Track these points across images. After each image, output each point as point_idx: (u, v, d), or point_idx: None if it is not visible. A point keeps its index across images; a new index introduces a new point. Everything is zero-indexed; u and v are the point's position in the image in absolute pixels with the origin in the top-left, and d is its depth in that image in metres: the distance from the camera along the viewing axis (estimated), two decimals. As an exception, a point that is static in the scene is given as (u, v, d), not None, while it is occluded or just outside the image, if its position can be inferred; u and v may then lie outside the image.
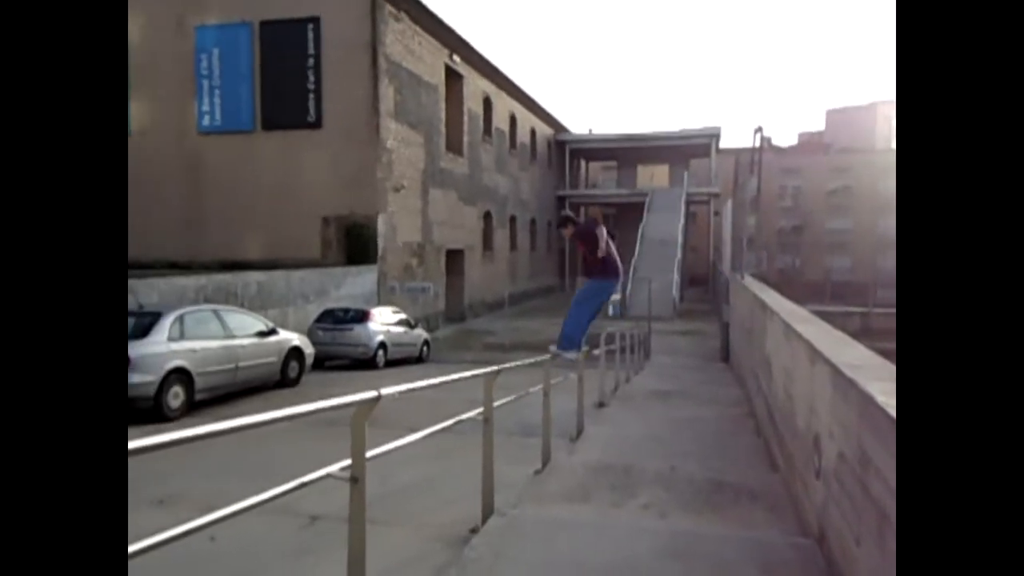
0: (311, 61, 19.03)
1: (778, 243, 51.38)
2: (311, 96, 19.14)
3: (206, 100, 19.79)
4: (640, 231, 33.11)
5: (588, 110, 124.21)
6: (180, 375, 8.71)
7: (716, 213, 35.46)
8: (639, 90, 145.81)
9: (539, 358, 6.58)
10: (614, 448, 6.41)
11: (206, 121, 19.86)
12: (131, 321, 9.06)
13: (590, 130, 44.17)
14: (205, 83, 19.73)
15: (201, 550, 3.66)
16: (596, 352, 9.37)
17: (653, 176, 46.15)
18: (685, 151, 40.72)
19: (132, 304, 10.61)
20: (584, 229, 6.97)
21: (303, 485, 2.59)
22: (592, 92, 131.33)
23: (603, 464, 5.46)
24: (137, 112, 20.26)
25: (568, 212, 7.69)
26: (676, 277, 29.62)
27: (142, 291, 11.43)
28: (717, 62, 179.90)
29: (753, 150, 11.86)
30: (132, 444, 1.49)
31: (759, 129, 11.15)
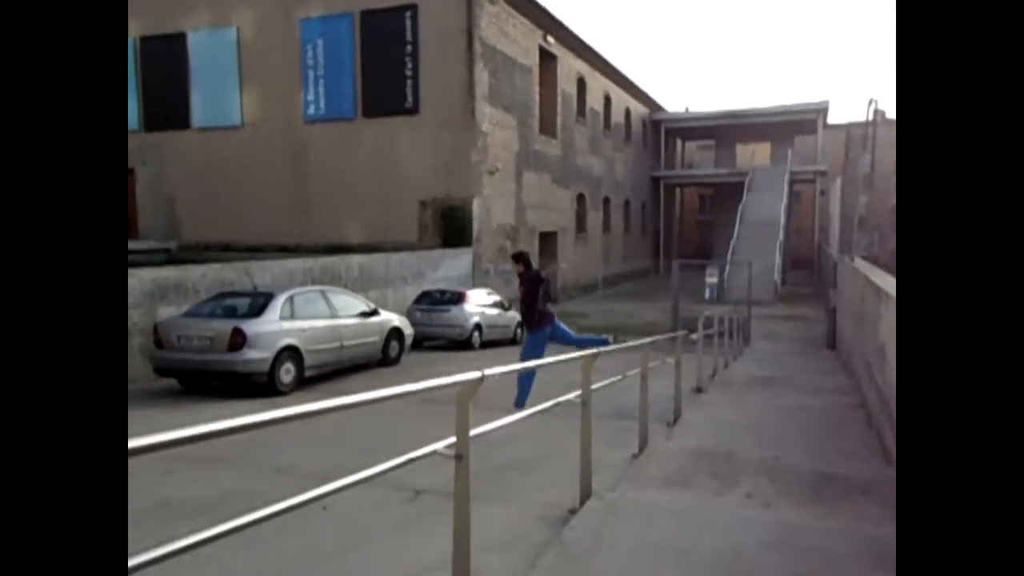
0: (408, 48, 19.44)
1: (891, 223, 48.19)
2: (408, 83, 19.57)
3: (311, 90, 20.63)
4: (739, 212, 31.92)
5: (685, 88, 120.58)
6: (291, 352, 9.21)
7: (822, 192, 33.65)
8: (739, 65, 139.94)
9: (636, 342, 6.51)
10: (713, 435, 6.27)
11: (311, 110, 20.72)
12: (247, 301, 9.66)
13: (687, 108, 42.87)
14: (310, 73, 20.56)
15: (314, 517, 3.90)
16: (693, 337, 9.16)
17: (754, 154, 44.29)
18: (789, 127, 38.78)
19: (247, 285, 11.30)
20: (533, 276, 7.65)
21: (410, 461, 2.69)
22: (689, 69, 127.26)
23: (703, 450, 5.36)
24: (248, 104, 21.41)
25: (523, 251, 8.27)
26: (778, 260, 28.40)
27: (257, 273, 12.14)
28: (825, 30, 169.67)
29: (866, 124, 11.16)
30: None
31: (873, 101, 10.47)
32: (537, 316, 7.50)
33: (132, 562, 1.64)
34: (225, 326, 8.88)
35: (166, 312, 10.43)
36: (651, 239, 38.45)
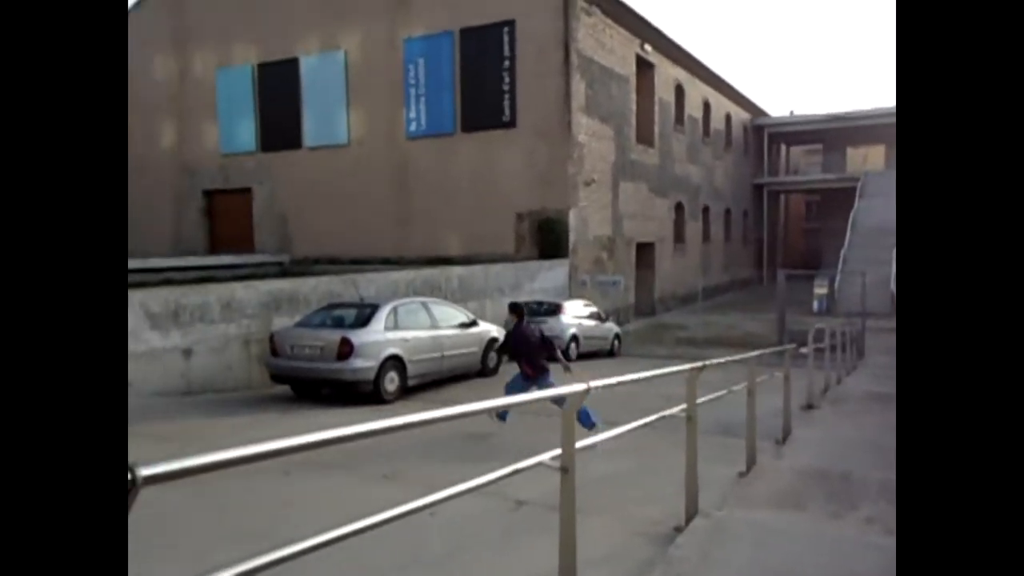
0: (506, 63, 19.76)
1: None
2: (506, 97, 19.88)
3: (413, 107, 21.35)
4: (851, 219, 30.22)
5: (789, 91, 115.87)
6: (395, 362, 9.52)
7: (945, 196, 31.24)
8: (849, 65, 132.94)
9: (742, 355, 6.29)
10: (828, 454, 5.94)
11: (413, 127, 21.43)
12: (354, 312, 10.07)
13: (791, 112, 41.12)
14: (412, 91, 21.29)
15: (419, 522, 4.00)
16: (803, 350, 8.74)
17: (866, 158, 41.86)
18: (906, 128, 36.33)
19: (354, 296, 11.79)
20: (527, 333, 7.62)
21: (516, 472, 2.71)
22: (794, 71, 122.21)
23: (816, 470, 5.09)
24: (354, 122, 22.40)
25: (519, 303, 8.36)
26: (895, 269, 26.65)
27: (362, 284, 12.65)
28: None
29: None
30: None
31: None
32: (533, 370, 7.50)
33: (255, 563, 1.73)
34: (334, 336, 9.29)
35: (280, 322, 11.04)
36: (754, 248, 37.06)
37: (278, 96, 23.41)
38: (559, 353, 7.72)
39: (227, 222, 25.15)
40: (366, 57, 21.96)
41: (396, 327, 9.87)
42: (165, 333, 9.77)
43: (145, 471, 1.34)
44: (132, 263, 17.63)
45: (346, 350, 9.09)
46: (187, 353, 10.04)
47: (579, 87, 19.59)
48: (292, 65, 23.13)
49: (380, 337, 9.50)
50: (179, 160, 25.70)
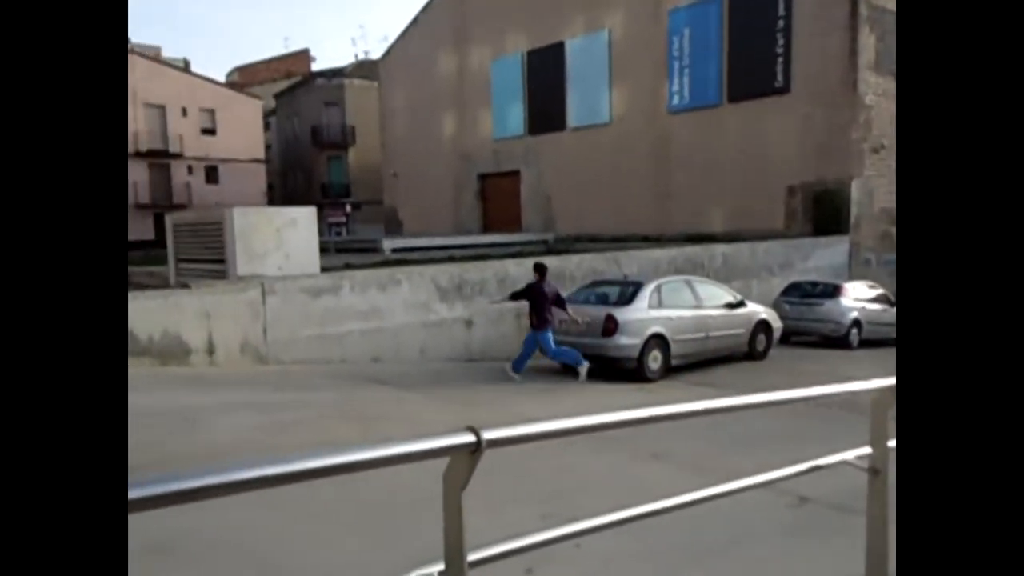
0: (780, 23, 18.27)
1: None
2: (779, 60, 18.41)
3: (676, 80, 20.82)
4: None
5: None
6: (658, 340, 9.48)
7: None
8: None
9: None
10: None
11: (675, 100, 20.92)
12: (617, 289, 10.22)
13: None
14: (675, 64, 20.75)
15: (697, 510, 3.94)
16: None
17: None
18: None
19: (617, 274, 11.96)
20: (545, 290, 9.20)
21: (816, 468, 2.53)
22: None
23: None
24: (616, 100, 22.53)
25: (543, 263, 9.89)
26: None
27: (624, 262, 12.77)
28: None
29: None
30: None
31: None
32: (537, 320, 9.20)
33: (556, 533, 1.79)
34: (599, 313, 9.53)
35: (548, 297, 11.61)
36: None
37: (545, 81, 24.43)
38: (568, 307, 9.24)
39: (498, 203, 27.08)
40: (629, 34, 21.89)
41: (660, 305, 9.80)
42: (451, 305, 10.87)
43: (487, 434, 1.50)
44: (422, 242, 19.90)
45: (611, 327, 9.27)
46: (468, 324, 11.07)
47: (868, 41, 17.38)
48: (558, 49, 23.94)
49: (644, 315, 9.51)
50: (458, 148, 28.21)
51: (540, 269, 9.54)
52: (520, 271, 11.79)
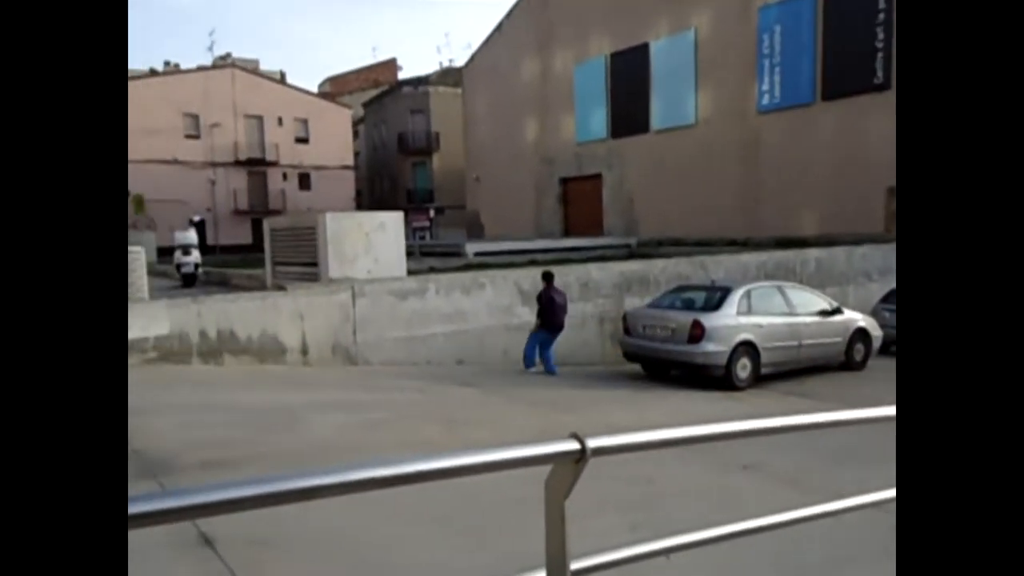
0: (880, 16, 17.37)
1: None
2: (878, 55, 17.51)
3: (766, 79, 20.15)
4: None
5: None
6: (747, 348, 9.18)
7: None
8: None
9: None
10: None
11: (765, 100, 20.25)
12: (703, 295, 9.96)
13: None
14: (766, 63, 20.09)
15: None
16: None
17: None
18: None
19: (702, 278, 11.67)
20: (554, 296, 9.90)
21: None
22: None
23: None
24: (702, 101, 22.03)
25: (550, 271, 10.35)
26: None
27: (711, 267, 12.45)
28: None
29: None
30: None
31: None
32: (543, 322, 9.93)
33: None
34: (685, 318, 9.32)
35: (631, 302, 11.47)
36: None
37: (628, 83, 24.18)
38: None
39: (579, 207, 26.99)
40: (716, 33, 21.37)
41: (749, 312, 9.49)
42: (534, 308, 10.90)
43: (592, 443, 1.49)
44: (503, 246, 20.06)
45: (697, 333, 9.05)
46: (550, 328, 11.07)
47: (978, 32, 16.28)
48: (642, 51, 23.65)
49: (732, 321, 9.24)
50: (540, 152, 28.32)
51: (547, 277, 10.17)
52: (603, 275, 11.70)
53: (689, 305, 9.94)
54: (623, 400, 8.27)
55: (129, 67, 44.90)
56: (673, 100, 22.87)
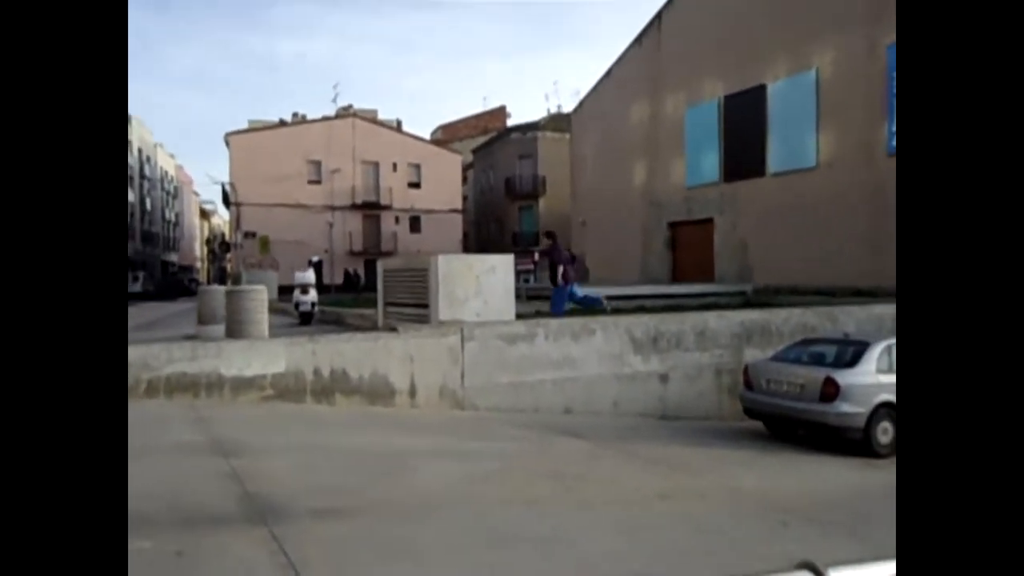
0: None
1: None
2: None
3: (896, 120, 18.91)
4: None
5: None
6: (890, 410, 8.27)
7: None
8: None
9: None
10: None
11: (895, 142, 18.96)
12: (835, 349, 9.14)
13: None
14: (896, 103, 18.89)
15: None
16: None
17: None
18: None
19: (829, 330, 10.78)
20: (560, 249, 12.34)
21: None
22: None
23: None
24: (824, 144, 20.95)
25: (553, 231, 13.35)
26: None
27: (841, 318, 11.52)
28: None
29: None
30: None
31: None
32: (559, 279, 11.71)
33: None
34: (817, 375, 8.55)
35: (751, 353, 10.75)
36: None
37: (743, 125, 23.45)
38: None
39: (689, 252, 26.18)
40: (840, 73, 20.38)
41: (890, 370, 8.57)
42: (646, 358, 10.43)
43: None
44: (612, 291, 19.61)
45: (831, 391, 8.26)
46: (664, 378, 10.53)
47: None
48: (758, 92, 22.92)
49: (871, 380, 8.37)
50: (648, 195, 27.86)
51: (550, 235, 12.62)
52: (721, 324, 11.07)
53: (818, 360, 9.14)
54: (747, 462, 7.60)
55: (262, 119, 48.65)
56: (792, 143, 21.88)
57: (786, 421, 9.01)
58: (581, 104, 32.62)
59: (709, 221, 24.95)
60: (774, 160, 22.59)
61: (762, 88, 22.81)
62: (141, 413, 6.87)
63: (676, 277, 26.19)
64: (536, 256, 27.76)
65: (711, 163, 24.81)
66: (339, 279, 36.81)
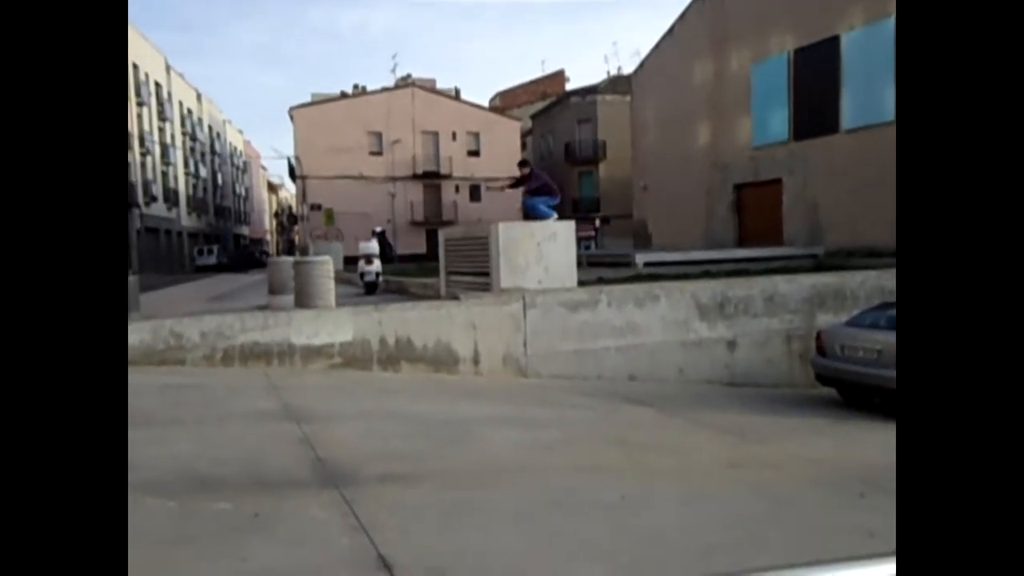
0: None
1: None
2: None
3: (985, 66, 17.64)
4: None
5: None
6: (975, 377, 7.84)
7: None
8: None
9: None
10: None
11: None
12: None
13: None
14: (984, 47, 17.60)
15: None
16: None
17: None
18: None
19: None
20: (535, 176, 11.87)
21: None
22: None
23: None
24: (904, 96, 19.77)
25: (525, 158, 14.89)
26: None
27: (921, 281, 10.94)
28: None
29: None
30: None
31: None
32: (528, 192, 11.55)
33: None
34: (894, 340, 8.17)
35: (823, 319, 10.36)
36: None
37: (814, 80, 22.34)
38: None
39: (755, 215, 25.34)
40: (922, 18, 19.08)
41: (976, 335, 8.11)
42: (712, 324, 10.18)
43: None
44: (675, 256, 19.22)
45: (911, 358, 7.88)
46: (731, 345, 10.27)
47: None
48: (831, 44, 21.73)
49: (955, 346, 7.94)
50: (712, 157, 27.01)
51: (524, 164, 12.57)
52: (791, 288, 10.69)
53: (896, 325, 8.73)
54: (821, 430, 7.37)
55: (324, 92, 49.34)
56: (869, 96, 20.70)
57: (861, 388, 8.67)
58: (641, 65, 31.71)
59: (777, 182, 24.02)
60: (848, 115, 21.48)
61: (835, 39, 21.60)
62: (218, 381, 7.16)
63: (742, 241, 25.43)
64: (597, 223, 27.32)
65: (779, 121, 23.79)
66: (403, 249, 37.38)
